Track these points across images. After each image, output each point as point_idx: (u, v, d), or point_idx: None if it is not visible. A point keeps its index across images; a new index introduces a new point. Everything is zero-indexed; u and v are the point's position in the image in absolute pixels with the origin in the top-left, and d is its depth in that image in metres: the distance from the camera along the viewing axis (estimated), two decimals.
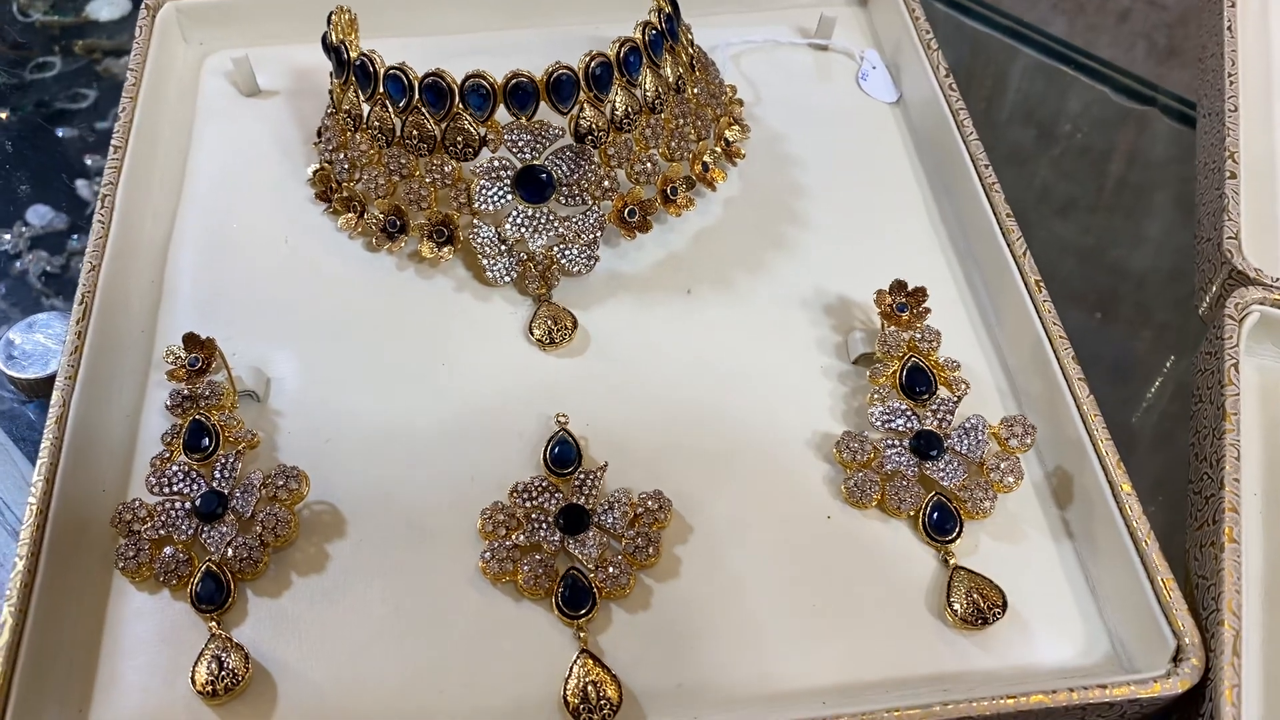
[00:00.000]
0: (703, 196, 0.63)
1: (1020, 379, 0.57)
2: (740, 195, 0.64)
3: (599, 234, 0.58)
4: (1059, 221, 0.73)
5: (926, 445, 0.52)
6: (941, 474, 0.51)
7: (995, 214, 0.60)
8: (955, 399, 0.53)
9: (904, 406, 0.53)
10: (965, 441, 0.52)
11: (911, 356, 0.54)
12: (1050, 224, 0.72)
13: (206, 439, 0.50)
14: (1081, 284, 0.70)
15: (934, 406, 0.53)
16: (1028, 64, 0.85)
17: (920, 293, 0.55)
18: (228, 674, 0.45)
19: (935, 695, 0.45)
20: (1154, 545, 0.48)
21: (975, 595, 0.48)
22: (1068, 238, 0.72)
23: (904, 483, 0.51)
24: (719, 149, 0.63)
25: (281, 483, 0.49)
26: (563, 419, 0.53)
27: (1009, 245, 0.58)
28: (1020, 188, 0.63)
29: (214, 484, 0.49)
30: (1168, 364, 0.65)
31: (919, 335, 0.54)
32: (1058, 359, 0.54)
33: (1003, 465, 0.52)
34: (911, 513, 0.51)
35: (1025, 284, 0.57)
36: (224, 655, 0.45)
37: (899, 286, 0.55)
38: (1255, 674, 0.47)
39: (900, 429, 0.53)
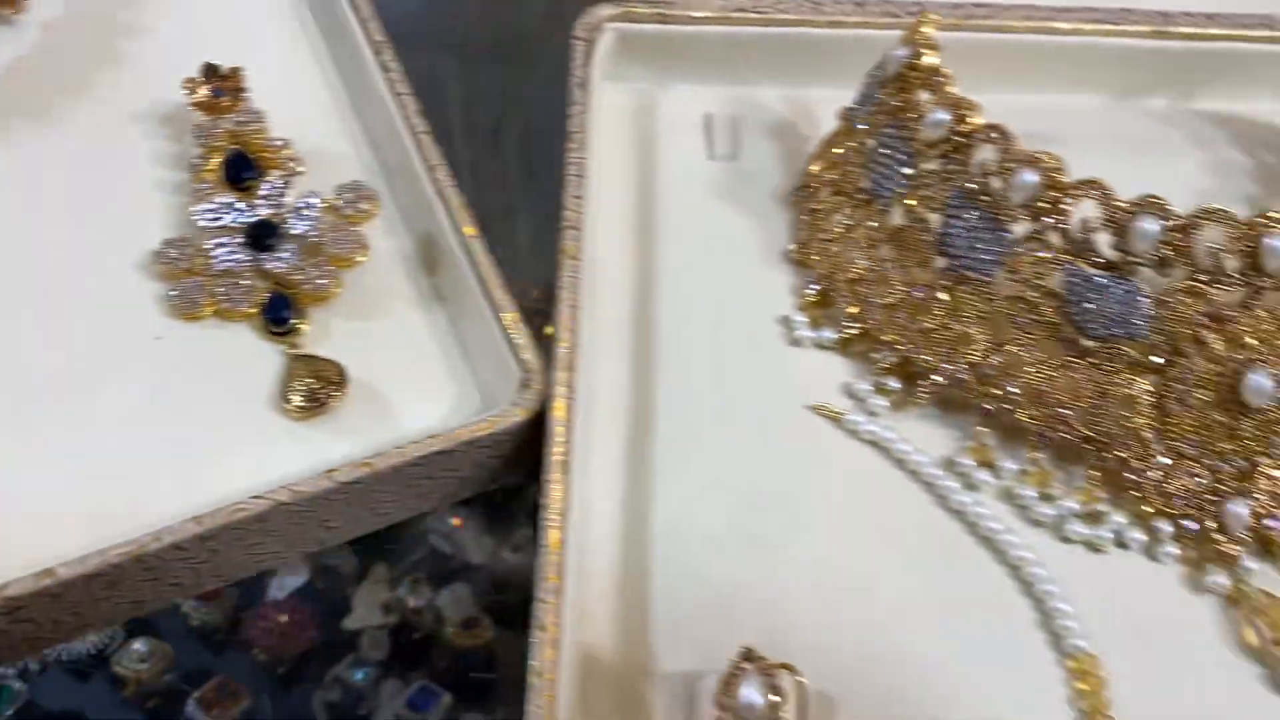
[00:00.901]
0: (9, 23, 0.54)
1: (381, 150, 0.52)
2: (62, 17, 0.55)
3: None
4: None
5: (262, 235, 0.47)
6: (278, 262, 0.46)
7: None
8: (284, 180, 0.48)
9: (231, 200, 0.47)
10: (299, 223, 0.47)
11: (234, 145, 0.48)
12: None
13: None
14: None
15: (264, 193, 0.47)
16: None
17: (234, 75, 0.49)
18: None
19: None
20: (498, 284, 0.45)
21: (307, 380, 0.44)
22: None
23: (237, 280, 0.46)
24: None
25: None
26: None
27: (353, 6, 0.53)
28: None
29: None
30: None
31: (240, 119, 0.48)
32: (405, 119, 0.50)
33: (343, 239, 0.47)
34: (251, 310, 0.46)
35: (370, 48, 0.52)
36: None
37: (209, 70, 0.49)
38: (607, 393, 0.45)
39: (232, 224, 0.47)
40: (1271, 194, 0.51)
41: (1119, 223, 0.39)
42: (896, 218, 0.44)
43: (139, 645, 0.66)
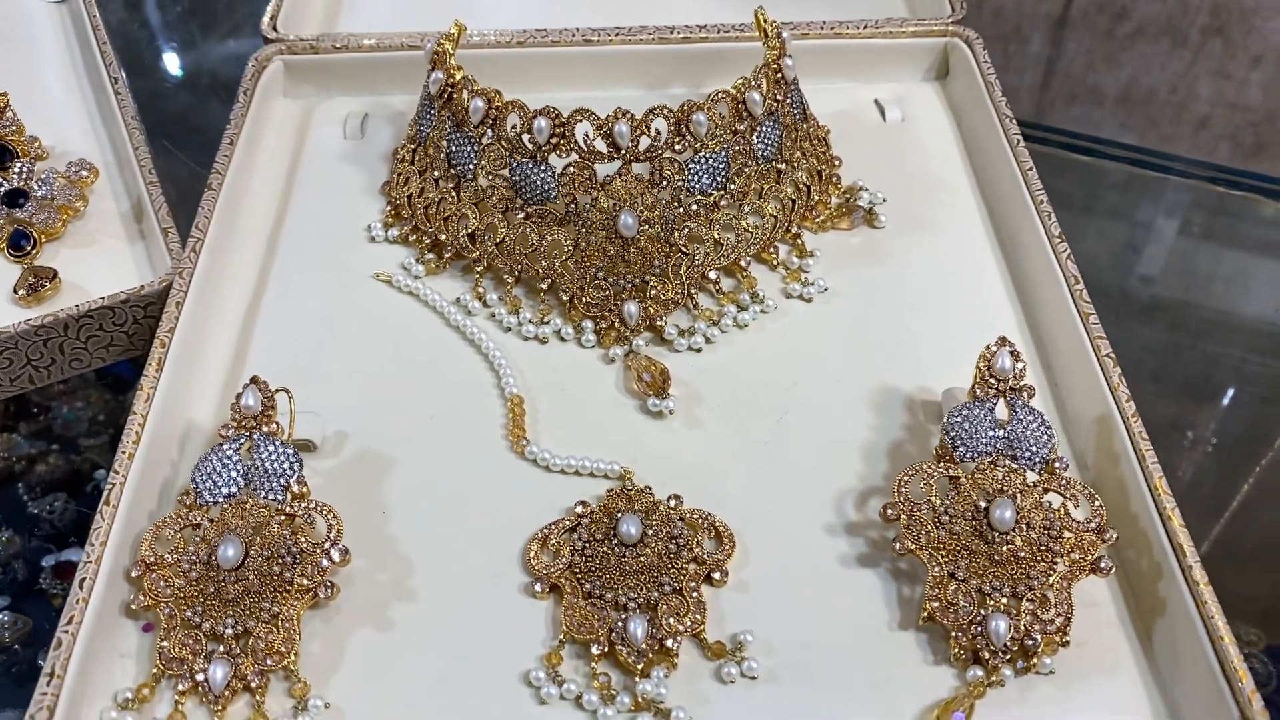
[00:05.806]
0: None
1: (105, 139, 0.74)
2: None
3: None
4: None
5: (13, 196, 0.68)
6: (22, 211, 0.67)
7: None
8: (32, 161, 0.69)
9: None
10: (41, 188, 0.68)
11: None
12: None
13: None
14: None
15: (17, 170, 0.69)
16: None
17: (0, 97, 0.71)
18: None
19: None
20: None
21: (29, 279, 0.64)
22: None
23: None
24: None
25: None
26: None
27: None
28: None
29: None
30: None
31: (2, 125, 0.70)
32: (123, 119, 0.72)
33: (68, 195, 0.68)
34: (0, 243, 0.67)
35: (106, 73, 0.74)
36: None
37: None
38: (235, 269, 0.66)
39: None
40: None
41: (530, 128, 0.60)
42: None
43: None
